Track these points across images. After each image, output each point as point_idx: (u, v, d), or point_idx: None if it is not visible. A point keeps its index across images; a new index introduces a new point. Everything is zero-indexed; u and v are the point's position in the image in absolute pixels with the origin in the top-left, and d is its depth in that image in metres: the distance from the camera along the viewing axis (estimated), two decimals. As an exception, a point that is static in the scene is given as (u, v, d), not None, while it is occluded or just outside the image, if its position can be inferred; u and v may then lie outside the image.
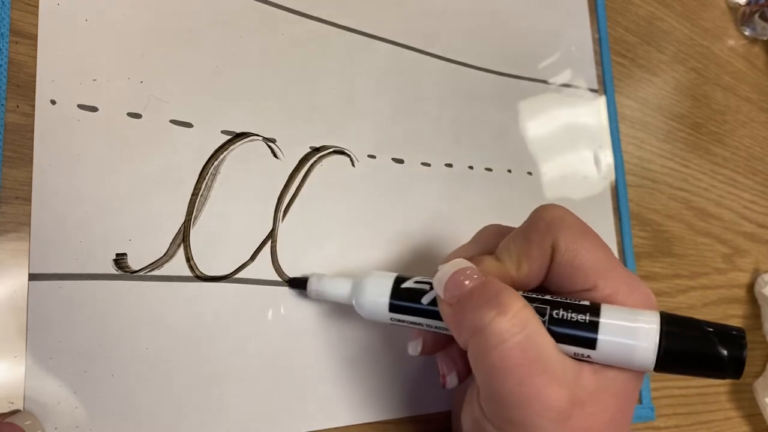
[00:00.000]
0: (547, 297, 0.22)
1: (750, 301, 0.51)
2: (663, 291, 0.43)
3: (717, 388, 0.47)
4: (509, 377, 0.20)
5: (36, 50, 0.23)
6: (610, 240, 0.40)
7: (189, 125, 0.25)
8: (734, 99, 0.54)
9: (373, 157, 0.30)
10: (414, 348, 0.26)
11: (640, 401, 0.39)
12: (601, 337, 0.21)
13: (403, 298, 0.24)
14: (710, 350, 0.20)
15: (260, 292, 0.26)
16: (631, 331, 0.20)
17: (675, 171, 0.47)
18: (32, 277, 0.21)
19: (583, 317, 0.21)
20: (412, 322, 0.24)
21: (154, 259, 0.24)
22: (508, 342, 0.20)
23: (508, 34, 0.38)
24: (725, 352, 0.20)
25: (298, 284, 0.27)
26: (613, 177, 0.41)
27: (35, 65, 0.22)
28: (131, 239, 0.23)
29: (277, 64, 0.28)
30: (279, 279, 0.27)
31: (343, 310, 0.28)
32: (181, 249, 0.24)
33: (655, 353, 0.20)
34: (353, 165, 0.30)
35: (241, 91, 0.27)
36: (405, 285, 0.24)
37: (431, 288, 0.23)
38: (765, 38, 0.57)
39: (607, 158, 0.41)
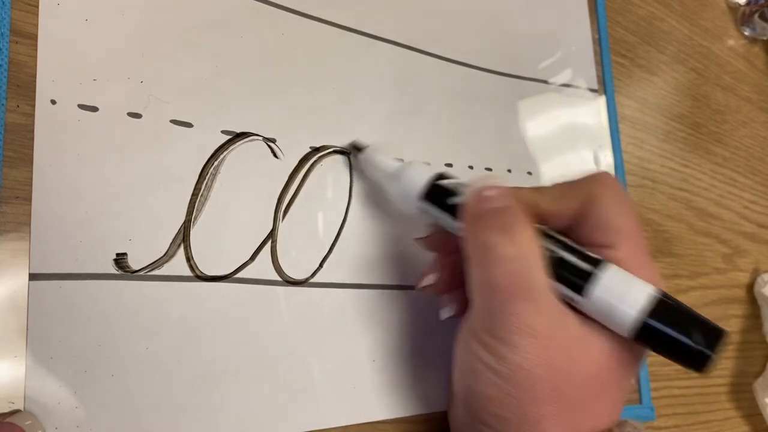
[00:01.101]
0: (562, 238, 0.23)
1: (750, 301, 0.51)
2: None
3: (717, 388, 0.47)
4: (497, 293, 0.22)
5: (36, 50, 0.23)
6: (610, 240, 0.40)
7: (189, 125, 0.25)
8: (734, 99, 0.54)
9: (373, 157, 0.30)
10: (422, 233, 0.28)
11: (639, 401, 0.39)
12: (593, 288, 0.22)
13: (436, 193, 0.26)
14: (685, 337, 0.21)
15: (260, 292, 0.26)
16: (621, 294, 0.22)
17: (675, 171, 0.47)
18: (32, 277, 0.21)
19: (586, 266, 0.22)
20: (434, 215, 0.26)
21: (154, 259, 0.24)
22: (503, 266, 0.22)
23: (508, 34, 0.38)
24: (697, 344, 0.21)
25: (357, 149, 0.29)
26: (613, 177, 0.41)
27: (35, 65, 0.22)
28: (131, 239, 0.23)
29: (277, 64, 0.28)
30: (279, 279, 0.27)
31: (342, 310, 0.28)
32: (181, 249, 0.25)
33: (635, 321, 0.21)
34: (353, 165, 0.30)
35: (241, 91, 0.27)
36: (441, 182, 0.26)
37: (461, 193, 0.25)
38: (765, 38, 0.57)
39: (607, 158, 0.41)
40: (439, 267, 0.28)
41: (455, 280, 0.27)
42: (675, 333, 0.21)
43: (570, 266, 0.23)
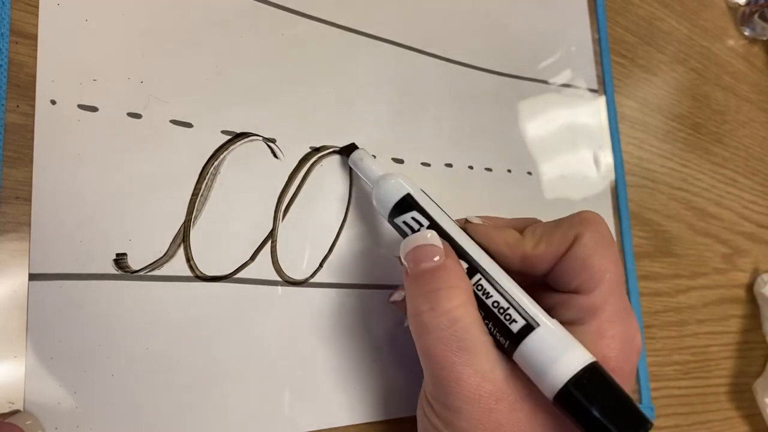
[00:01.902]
0: (498, 297, 0.22)
1: (749, 301, 0.51)
2: (663, 291, 0.43)
3: (717, 388, 0.47)
4: (434, 361, 0.22)
5: (36, 50, 0.23)
6: (610, 240, 0.40)
7: (189, 125, 0.25)
8: (734, 99, 0.54)
9: (373, 157, 0.30)
10: (397, 295, 0.27)
11: (639, 401, 0.39)
12: (526, 345, 0.21)
13: (396, 223, 0.25)
14: (606, 420, 0.19)
15: (260, 292, 0.26)
16: (552, 357, 0.20)
17: (675, 171, 0.47)
18: (32, 277, 0.21)
19: (513, 330, 0.22)
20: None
21: (154, 259, 0.24)
22: (432, 334, 0.22)
23: (508, 34, 0.38)
24: (617, 429, 0.19)
25: (347, 151, 0.29)
26: (612, 177, 0.41)
27: (35, 65, 0.22)
28: (131, 239, 0.23)
29: (277, 64, 0.28)
30: (279, 279, 0.27)
31: (342, 310, 0.28)
32: (181, 249, 0.24)
33: (559, 386, 0.20)
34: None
35: (241, 91, 0.27)
36: (397, 220, 0.25)
37: (412, 232, 0.25)
38: (765, 38, 0.57)
39: (607, 158, 0.41)
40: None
41: None
42: (596, 411, 0.19)
43: (500, 326, 0.22)
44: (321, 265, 0.28)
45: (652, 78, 0.47)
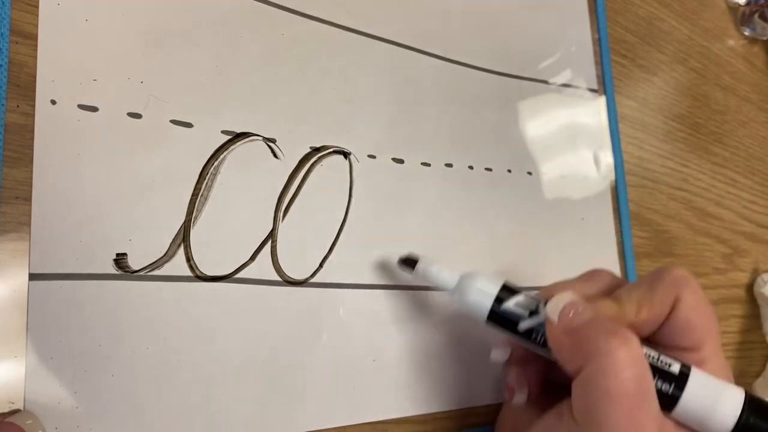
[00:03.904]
0: (645, 347, 0.23)
1: (749, 301, 0.51)
2: (663, 291, 0.43)
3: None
4: (619, 405, 0.20)
5: (36, 50, 0.23)
6: (610, 240, 0.40)
7: (189, 125, 0.25)
8: (734, 99, 0.54)
9: (373, 157, 0.30)
10: (500, 355, 0.27)
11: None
12: (686, 395, 0.22)
13: (501, 318, 0.25)
14: None
15: (260, 292, 0.26)
16: (714, 400, 0.21)
17: (675, 171, 0.47)
18: (32, 277, 0.21)
19: (675, 374, 0.22)
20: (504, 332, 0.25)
21: (154, 259, 0.24)
22: (627, 371, 0.21)
23: (508, 34, 0.38)
24: None
25: (409, 263, 0.27)
26: (612, 177, 0.41)
27: (35, 65, 0.22)
28: (131, 239, 0.23)
29: (277, 64, 0.28)
30: (279, 279, 0.27)
31: (342, 310, 0.28)
32: (181, 249, 0.25)
33: (731, 427, 0.21)
34: (353, 165, 0.30)
35: (241, 91, 0.27)
36: (505, 306, 0.25)
37: (530, 313, 0.24)
38: (765, 38, 0.57)
39: (607, 158, 0.41)
40: (525, 380, 0.27)
41: (543, 385, 0.27)
42: None
43: (660, 372, 0.22)
44: (321, 265, 0.28)
45: (652, 78, 0.47)
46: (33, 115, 0.22)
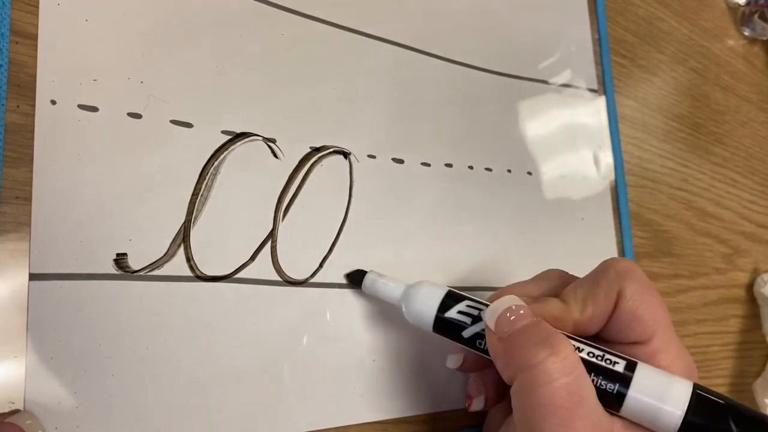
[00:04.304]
0: (588, 347, 0.23)
1: (749, 301, 0.51)
2: (663, 291, 0.43)
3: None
4: (552, 416, 0.20)
5: (36, 50, 0.23)
6: (610, 240, 0.40)
7: (189, 125, 0.25)
8: (734, 99, 0.54)
9: (373, 157, 0.30)
10: (454, 362, 0.27)
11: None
12: (631, 393, 0.21)
13: (446, 326, 0.25)
14: None
15: (260, 292, 0.26)
16: (661, 395, 0.21)
17: (675, 171, 0.47)
18: (32, 277, 0.21)
19: (620, 371, 0.22)
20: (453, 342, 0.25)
21: (154, 259, 0.24)
22: (557, 382, 0.20)
23: (508, 34, 0.38)
24: None
25: (354, 279, 0.28)
26: (612, 177, 0.41)
27: (35, 65, 0.22)
28: (131, 239, 0.23)
29: (277, 64, 0.28)
30: (279, 279, 0.27)
31: (342, 310, 0.28)
32: (181, 249, 0.24)
33: (679, 422, 0.21)
34: (353, 165, 0.30)
35: (241, 91, 0.27)
36: (449, 314, 0.25)
37: (472, 319, 0.24)
38: (765, 38, 0.57)
39: (607, 158, 0.41)
40: (482, 385, 0.27)
41: (502, 390, 0.26)
42: (719, 429, 0.20)
43: (603, 374, 0.22)
44: (321, 265, 0.28)
45: (652, 78, 0.47)
46: (33, 115, 0.22)
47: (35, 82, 0.22)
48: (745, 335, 0.49)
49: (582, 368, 0.21)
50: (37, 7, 0.23)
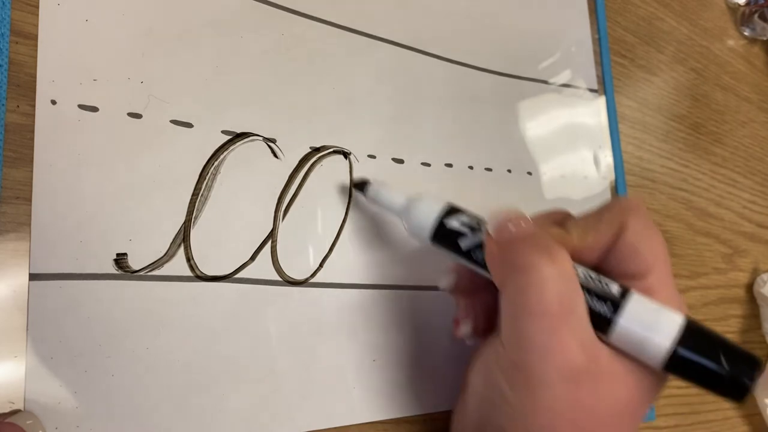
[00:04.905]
0: (583, 268, 0.22)
1: (749, 301, 0.51)
2: (663, 291, 0.43)
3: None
4: (539, 321, 0.20)
5: (36, 50, 0.23)
6: (610, 240, 0.40)
7: (189, 125, 0.25)
8: (734, 99, 0.54)
9: (373, 157, 0.30)
10: (446, 281, 0.27)
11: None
12: (622, 319, 0.21)
13: (445, 235, 0.25)
14: (719, 367, 0.20)
15: (260, 292, 0.26)
16: (651, 324, 0.21)
17: (674, 171, 0.47)
18: (32, 277, 0.21)
19: (613, 297, 0.21)
20: (448, 254, 0.25)
21: (155, 259, 0.24)
22: (549, 287, 0.20)
23: (508, 34, 0.38)
24: (730, 375, 0.20)
25: (360, 186, 0.28)
26: (612, 177, 0.41)
27: (35, 65, 0.22)
28: (131, 239, 0.23)
29: (277, 64, 0.28)
30: (279, 279, 0.27)
31: (342, 310, 0.28)
32: (181, 249, 0.25)
33: (667, 352, 0.20)
34: (353, 165, 0.30)
35: (241, 91, 0.27)
36: (450, 224, 0.25)
37: (473, 231, 0.24)
38: (765, 38, 0.57)
39: (607, 158, 0.41)
40: (471, 310, 0.27)
41: (491, 318, 0.26)
42: (709, 363, 0.20)
43: (596, 297, 0.21)
44: (321, 265, 0.28)
45: (652, 78, 0.47)
46: (33, 115, 0.22)
47: (35, 82, 0.22)
48: (745, 335, 0.49)
49: (577, 284, 0.21)
50: (37, 7, 0.23)
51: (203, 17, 0.27)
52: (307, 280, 0.27)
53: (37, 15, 0.23)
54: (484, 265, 0.24)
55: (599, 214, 0.24)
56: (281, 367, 0.26)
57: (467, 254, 0.24)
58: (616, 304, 0.21)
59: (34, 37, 0.23)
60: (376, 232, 0.30)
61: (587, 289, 0.22)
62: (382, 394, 0.28)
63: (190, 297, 0.24)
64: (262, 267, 0.26)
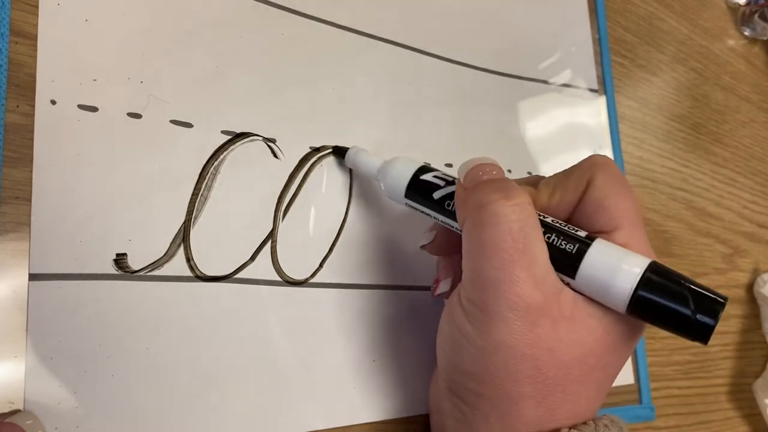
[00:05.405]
0: (549, 217, 0.23)
1: (749, 301, 0.51)
2: (663, 291, 0.43)
3: (717, 388, 0.47)
4: (492, 257, 0.20)
5: (36, 50, 0.23)
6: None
7: (189, 125, 0.25)
8: (734, 99, 0.54)
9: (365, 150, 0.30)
10: (425, 238, 0.27)
11: (639, 401, 0.39)
12: (585, 261, 0.21)
13: (419, 188, 0.25)
14: (682, 308, 0.20)
15: (260, 292, 0.26)
16: (612, 269, 0.20)
17: (675, 171, 0.47)
18: (32, 277, 0.21)
19: (576, 242, 0.21)
20: (422, 211, 0.26)
21: (154, 259, 0.24)
22: (502, 224, 0.21)
23: (508, 34, 0.38)
24: (695, 314, 0.20)
25: (340, 152, 0.29)
26: (613, 177, 0.41)
27: (35, 65, 0.22)
28: (131, 239, 0.23)
29: (277, 64, 0.28)
30: (279, 279, 0.27)
31: (342, 310, 0.28)
32: (181, 249, 0.24)
33: (629, 293, 0.20)
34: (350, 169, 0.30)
35: (241, 90, 0.27)
36: (424, 176, 0.25)
37: (446, 183, 0.25)
38: (765, 38, 0.57)
39: (607, 158, 0.41)
40: (450, 268, 0.27)
41: (451, 243, 0.26)
42: (673, 304, 0.20)
43: (560, 242, 0.22)
44: (321, 265, 0.28)
45: (652, 78, 0.47)
46: (33, 115, 0.22)
47: (35, 82, 0.22)
48: (745, 335, 0.49)
49: (535, 221, 0.21)
50: (37, 7, 0.23)
51: (203, 17, 0.27)
52: (307, 280, 0.27)
53: (37, 15, 0.23)
54: (454, 215, 0.24)
55: (569, 171, 0.24)
56: (281, 367, 0.26)
57: (440, 205, 0.25)
58: (582, 249, 0.21)
59: (33, 37, 0.23)
60: (376, 232, 0.30)
61: (554, 230, 0.22)
62: (382, 394, 0.28)
63: (189, 297, 0.24)
64: (262, 267, 0.26)
